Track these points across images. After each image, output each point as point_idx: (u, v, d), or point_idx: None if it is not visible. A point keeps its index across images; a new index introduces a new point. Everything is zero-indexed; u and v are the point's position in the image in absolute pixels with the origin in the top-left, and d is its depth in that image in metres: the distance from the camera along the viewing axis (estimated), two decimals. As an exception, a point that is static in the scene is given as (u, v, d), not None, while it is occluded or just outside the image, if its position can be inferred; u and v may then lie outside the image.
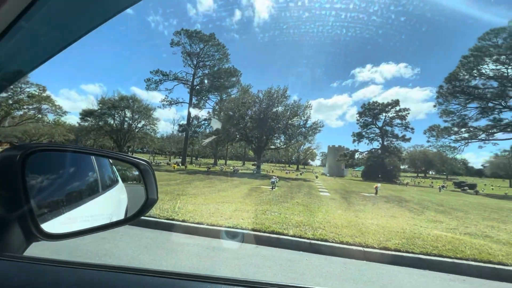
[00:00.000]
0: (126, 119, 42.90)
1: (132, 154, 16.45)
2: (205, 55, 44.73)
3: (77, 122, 43.06)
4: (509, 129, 32.28)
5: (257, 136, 33.46)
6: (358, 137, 46.43)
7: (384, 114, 45.41)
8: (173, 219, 5.41)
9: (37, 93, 35.40)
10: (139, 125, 43.90)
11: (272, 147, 37.56)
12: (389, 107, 45.01)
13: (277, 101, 32.72)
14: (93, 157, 0.98)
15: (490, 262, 4.09)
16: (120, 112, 42.03)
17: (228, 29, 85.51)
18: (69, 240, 0.78)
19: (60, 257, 3.48)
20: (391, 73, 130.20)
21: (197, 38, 43.36)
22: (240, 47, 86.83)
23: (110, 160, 1.21)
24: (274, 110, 32.70)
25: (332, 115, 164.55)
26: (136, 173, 1.02)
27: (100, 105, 41.35)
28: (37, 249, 3.34)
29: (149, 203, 0.93)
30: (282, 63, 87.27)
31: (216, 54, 44.87)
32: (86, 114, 41.18)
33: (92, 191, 0.95)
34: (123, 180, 1.28)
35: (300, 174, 42.16)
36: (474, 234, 6.02)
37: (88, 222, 0.84)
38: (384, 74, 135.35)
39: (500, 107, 32.57)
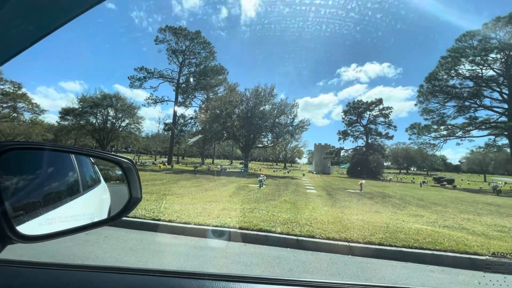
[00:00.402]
0: (109, 118, 41.63)
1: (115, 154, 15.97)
2: (190, 52, 44.09)
3: (56, 121, 41.30)
4: (483, 127, 34.01)
5: (244, 134, 33.43)
6: (344, 135, 47.41)
7: (368, 112, 46.59)
8: (159, 220, 5.32)
9: (11, 91, 33.62)
10: (123, 124, 42.71)
11: (260, 145, 37.65)
12: (373, 105, 46.22)
13: (264, 99, 32.80)
14: (73, 156, 0.94)
15: (466, 252, 4.30)
16: (102, 110, 40.71)
17: (214, 26, 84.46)
18: (49, 244, 0.75)
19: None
20: (375, 73, 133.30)
21: (183, 35, 42.66)
22: (226, 45, 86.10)
23: (92, 159, 1.17)
24: (261, 108, 32.77)
25: (319, 114, 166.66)
26: (120, 172, 0.99)
27: (81, 103, 39.86)
28: (15, 254, 3.18)
29: (132, 202, 0.91)
30: (269, 61, 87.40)
31: (202, 52, 44.34)
32: (66, 112, 39.57)
33: (72, 191, 0.92)
34: (106, 180, 1.24)
35: (288, 172, 42.55)
36: (451, 227, 6.31)
37: (67, 223, 0.80)
38: (369, 73, 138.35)
39: (475, 105, 34.23)
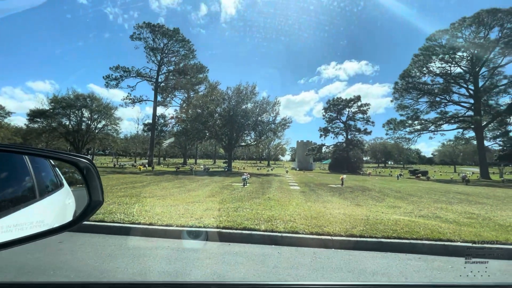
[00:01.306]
0: (84, 119, 39.67)
1: (92, 157, 15.44)
2: (169, 50, 42.97)
3: (25, 124, 38.74)
4: (452, 121, 36.11)
5: (227, 133, 33.17)
6: (325, 131, 48.45)
7: (347, 109, 47.90)
8: (139, 223, 5.12)
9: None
10: (99, 126, 40.89)
11: (243, 144, 37.54)
12: (352, 102, 47.59)
13: (246, 98, 32.70)
14: (26, 157, 0.84)
15: (440, 240, 4.53)
16: (76, 111, 38.71)
17: (193, 24, 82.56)
18: (16, 255, 0.65)
19: (5, 275, 3.08)
20: (353, 70, 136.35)
21: (161, 32, 41.46)
22: (206, 43, 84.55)
23: (52, 162, 1.06)
24: (243, 107, 32.65)
25: (300, 111, 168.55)
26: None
27: (52, 104, 37.66)
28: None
29: (92, 206, 0.83)
30: (251, 60, 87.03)
31: (181, 50, 43.38)
32: (35, 114, 37.21)
33: (26, 197, 0.82)
34: (71, 184, 1.14)
35: (271, 169, 42.80)
36: (426, 216, 6.62)
37: (20, 231, 0.71)
38: (348, 71, 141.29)
39: (446, 101, 36.25)
